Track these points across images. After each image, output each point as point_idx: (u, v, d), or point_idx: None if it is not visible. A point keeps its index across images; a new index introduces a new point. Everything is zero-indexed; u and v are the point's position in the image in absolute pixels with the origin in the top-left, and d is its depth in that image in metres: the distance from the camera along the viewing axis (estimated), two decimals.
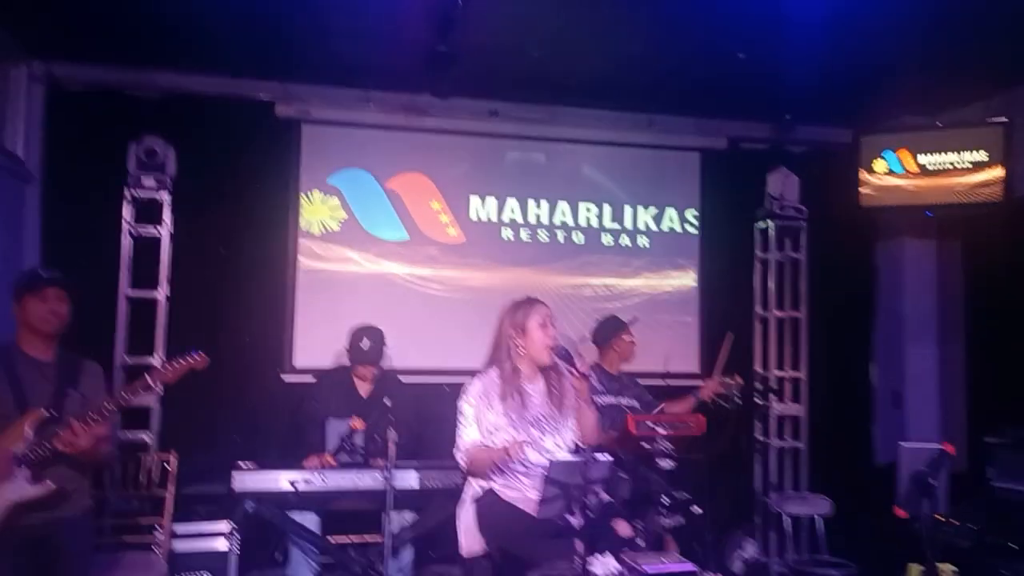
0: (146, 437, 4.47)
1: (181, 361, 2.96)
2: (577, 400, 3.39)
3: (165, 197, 4.59)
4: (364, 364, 4.38)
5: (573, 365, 3.26)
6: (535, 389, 3.42)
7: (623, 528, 3.24)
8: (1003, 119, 4.92)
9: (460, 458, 3.36)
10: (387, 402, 4.25)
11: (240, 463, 3.94)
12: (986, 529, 3.97)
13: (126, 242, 4.58)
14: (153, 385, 2.94)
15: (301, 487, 3.85)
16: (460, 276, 5.38)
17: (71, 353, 3.12)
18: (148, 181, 4.56)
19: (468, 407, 3.36)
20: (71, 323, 3.08)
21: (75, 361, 3.10)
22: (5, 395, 2.88)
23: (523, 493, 3.28)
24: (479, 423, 3.33)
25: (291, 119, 5.11)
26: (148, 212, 4.63)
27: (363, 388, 4.45)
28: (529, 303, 3.45)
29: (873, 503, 4.51)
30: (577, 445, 3.38)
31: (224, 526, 4.04)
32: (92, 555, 3.12)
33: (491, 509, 3.31)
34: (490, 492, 3.35)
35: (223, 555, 4.01)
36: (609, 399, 4.57)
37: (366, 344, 4.35)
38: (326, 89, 5.16)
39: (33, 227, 4.74)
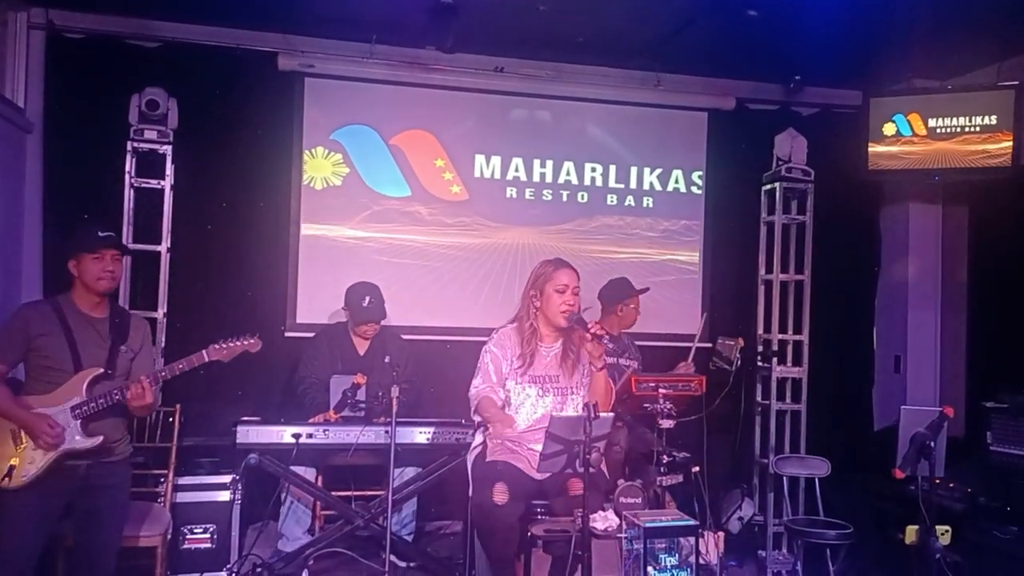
0: None
1: (237, 342, 3.16)
2: (590, 366, 3.41)
3: (167, 149, 4.55)
4: (367, 322, 4.37)
5: (587, 328, 3.27)
6: (550, 350, 3.48)
7: (575, 487, 3.27)
8: (1014, 83, 4.86)
9: (471, 396, 3.45)
10: (387, 359, 4.29)
11: (244, 417, 3.98)
12: (981, 492, 4.02)
13: (128, 195, 4.56)
14: (208, 360, 3.14)
15: (304, 441, 3.89)
16: (463, 234, 5.36)
17: (122, 308, 3.31)
18: (150, 133, 4.51)
19: (486, 354, 3.46)
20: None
21: (126, 317, 3.25)
22: (63, 352, 3.04)
23: (515, 452, 3.35)
24: (493, 370, 3.42)
25: (294, 72, 5.04)
26: (150, 164, 4.60)
27: (361, 346, 4.46)
28: (554, 266, 3.48)
29: (871, 466, 4.56)
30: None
31: (227, 478, 4.09)
32: (129, 497, 3.32)
33: (479, 458, 3.41)
34: (484, 443, 3.44)
35: (226, 506, 4.06)
36: (610, 360, 4.58)
37: (368, 302, 4.34)
38: (329, 42, 5.09)
39: (34, 177, 4.70)
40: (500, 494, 3.09)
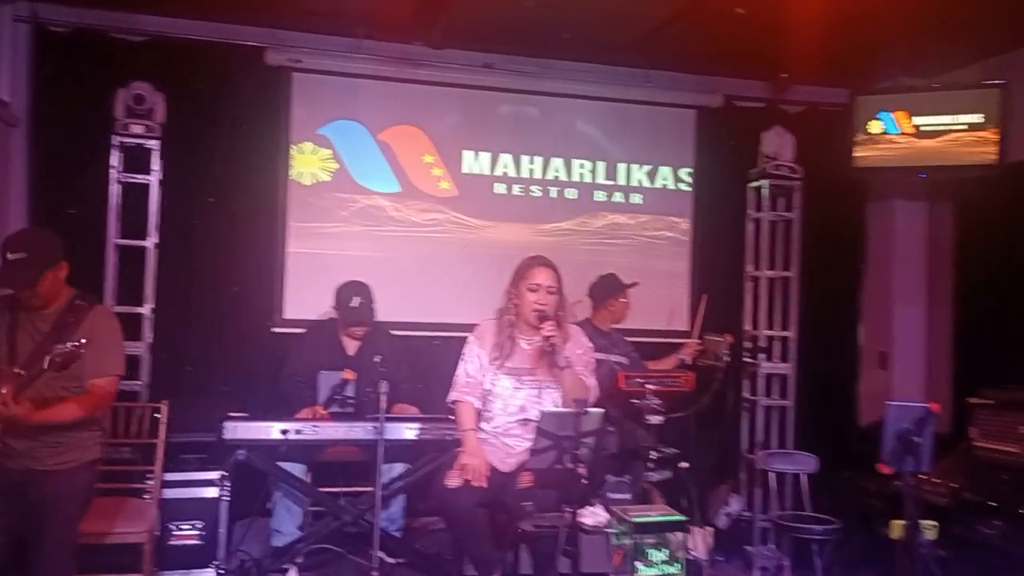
0: (136, 386, 4.46)
1: (69, 347, 2.77)
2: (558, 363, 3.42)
3: (154, 144, 4.52)
4: (355, 324, 4.32)
5: (539, 328, 3.31)
6: (530, 344, 3.50)
7: (524, 479, 3.27)
8: (1000, 82, 4.90)
9: (451, 396, 3.53)
10: (377, 360, 4.26)
11: (231, 413, 3.97)
12: (966, 487, 4.05)
13: (114, 190, 4.52)
14: (48, 368, 2.75)
15: (292, 437, 3.87)
16: (452, 230, 5.36)
17: (81, 304, 2.97)
18: (136, 128, 4.48)
19: (468, 346, 3.54)
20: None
21: (80, 312, 2.94)
22: (2, 349, 2.85)
23: (488, 444, 3.43)
24: (475, 364, 3.50)
25: (282, 67, 5.03)
26: (136, 159, 4.56)
27: (351, 346, 4.40)
28: (529, 263, 3.50)
29: (857, 461, 4.59)
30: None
31: (215, 475, 4.06)
32: (78, 506, 3.03)
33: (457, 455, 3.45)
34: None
35: (214, 503, 4.03)
36: (599, 355, 4.60)
37: (356, 302, 4.27)
38: (317, 37, 5.08)
39: (19, 172, 4.66)
40: (453, 479, 3.18)
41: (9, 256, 2.79)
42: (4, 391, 2.69)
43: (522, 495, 3.14)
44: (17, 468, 2.85)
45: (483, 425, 3.51)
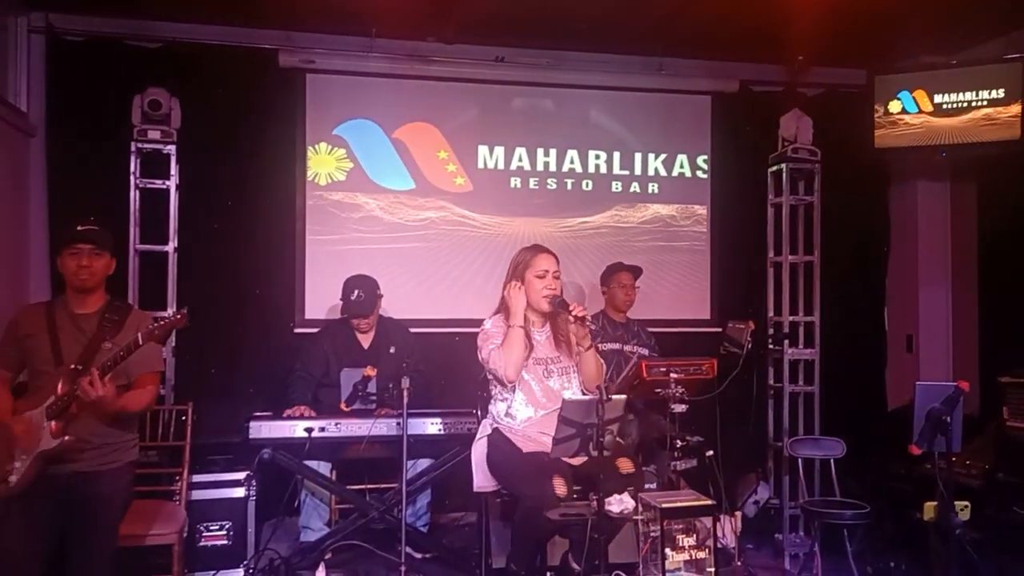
0: (161, 389, 4.48)
1: (167, 321, 2.94)
2: (577, 346, 3.42)
3: (171, 149, 4.55)
4: (357, 316, 4.38)
5: (569, 311, 3.26)
6: (541, 334, 3.50)
7: (625, 465, 3.26)
8: (1021, 55, 4.81)
9: (494, 363, 3.37)
10: (392, 351, 4.29)
11: (256, 413, 3.99)
12: (998, 468, 3.98)
13: (133, 196, 4.56)
14: (142, 343, 2.88)
15: (316, 435, 3.89)
16: (469, 225, 5.34)
17: (121, 304, 3.11)
18: (153, 133, 4.51)
19: (489, 339, 3.42)
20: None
21: (121, 312, 3.06)
22: (45, 352, 2.93)
23: (529, 437, 3.35)
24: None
25: (295, 68, 5.04)
26: (154, 165, 4.60)
27: (365, 339, 4.46)
28: (532, 252, 3.49)
29: (886, 445, 4.53)
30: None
31: (241, 475, 4.09)
32: (120, 508, 3.06)
33: (498, 448, 3.39)
34: (497, 431, 3.45)
35: (241, 503, 4.07)
36: (614, 345, 4.59)
37: (357, 295, 4.34)
38: (330, 37, 5.09)
39: (38, 182, 4.72)
40: (561, 487, 3.04)
41: (79, 227, 3.00)
42: (95, 370, 2.80)
43: (627, 480, 3.11)
44: (64, 472, 2.90)
45: (512, 423, 3.41)
